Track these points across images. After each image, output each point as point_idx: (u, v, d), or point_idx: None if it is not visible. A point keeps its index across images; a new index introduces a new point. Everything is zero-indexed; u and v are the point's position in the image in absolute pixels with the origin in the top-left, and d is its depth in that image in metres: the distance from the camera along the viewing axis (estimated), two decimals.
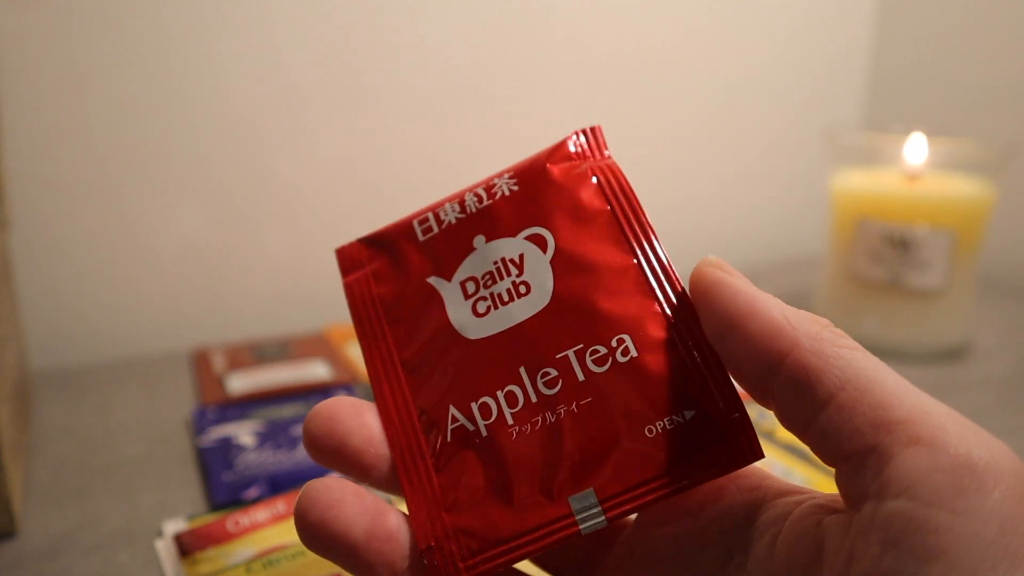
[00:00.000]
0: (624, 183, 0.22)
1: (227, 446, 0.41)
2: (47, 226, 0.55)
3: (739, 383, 0.19)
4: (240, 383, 0.48)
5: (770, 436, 0.42)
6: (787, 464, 0.39)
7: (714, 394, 0.19)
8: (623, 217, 0.21)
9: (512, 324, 0.21)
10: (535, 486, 0.19)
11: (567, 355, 0.20)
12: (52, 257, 0.55)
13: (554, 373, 0.20)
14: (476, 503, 0.20)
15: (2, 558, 0.33)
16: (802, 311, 0.18)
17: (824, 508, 0.18)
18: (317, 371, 0.50)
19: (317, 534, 0.19)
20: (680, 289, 0.20)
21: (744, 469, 0.20)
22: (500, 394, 0.20)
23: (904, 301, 0.54)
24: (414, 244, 0.23)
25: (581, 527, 0.19)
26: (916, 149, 0.54)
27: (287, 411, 0.45)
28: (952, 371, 0.52)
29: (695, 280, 0.19)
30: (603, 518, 0.19)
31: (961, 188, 0.54)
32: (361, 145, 0.62)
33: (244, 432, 0.42)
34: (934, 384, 0.50)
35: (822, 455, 0.17)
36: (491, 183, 0.23)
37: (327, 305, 0.60)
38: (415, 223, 0.24)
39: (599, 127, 0.23)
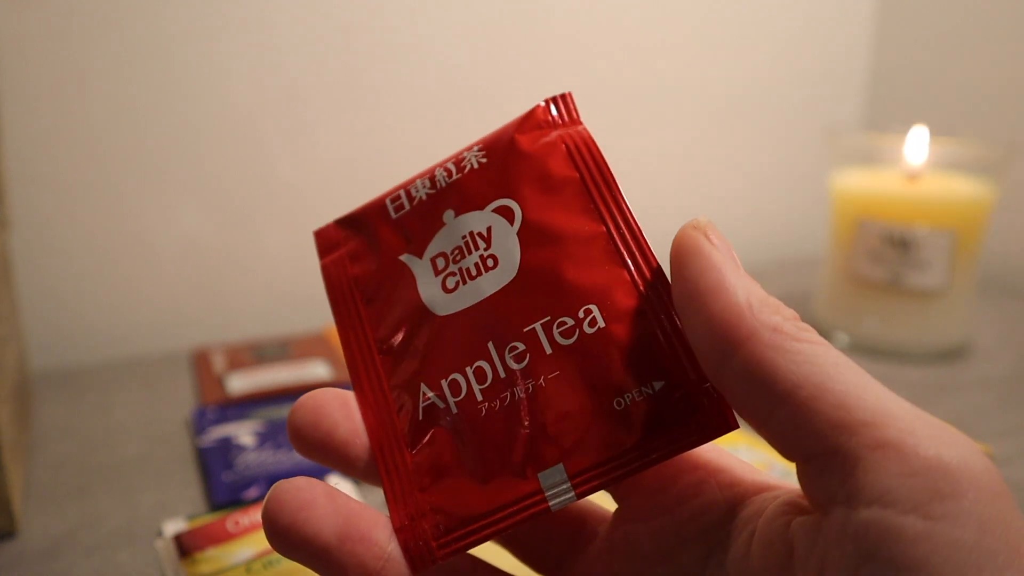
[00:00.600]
0: (595, 150, 0.22)
1: (227, 446, 0.41)
2: (47, 226, 0.55)
3: (699, 362, 0.18)
4: (240, 383, 0.48)
5: None
6: (786, 464, 0.39)
7: (684, 364, 0.19)
8: (592, 184, 0.21)
9: (480, 299, 0.21)
10: (505, 463, 0.19)
11: (534, 328, 0.20)
12: (52, 257, 0.55)
13: (522, 347, 0.20)
14: (448, 481, 0.20)
15: (2, 558, 0.33)
16: (770, 299, 0.17)
17: (792, 507, 0.18)
18: (317, 371, 0.50)
19: (288, 538, 0.18)
20: (651, 256, 0.20)
21: (724, 464, 0.20)
22: (469, 370, 0.20)
23: (904, 301, 0.54)
24: (387, 222, 0.23)
25: (550, 503, 0.19)
26: (916, 149, 0.54)
27: (287, 411, 0.45)
28: (952, 371, 0.52)
29: (676, 242, 0.18)
30: (572, 494, 0.19)
31: (961, 188, 0.54)
32: (361, 145, 0.62)
33: (244, 432, 0.42)
34: (934, 384, 0.50)
35: (780, 452, 0.17)
36: (460, 157, 0.23)
37: (327, 305, 0.60)
38: (388, 201, 0.24)
39: (570, 94, 0.23)
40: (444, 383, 0.21)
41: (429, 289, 0.22)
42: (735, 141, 0.78)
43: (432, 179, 0.23)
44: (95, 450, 0.42)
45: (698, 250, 0.18)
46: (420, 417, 0.21)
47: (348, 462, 0.20)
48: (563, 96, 0.23)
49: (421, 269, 0.22)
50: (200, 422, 0.44)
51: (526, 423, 0.19)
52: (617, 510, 0.21)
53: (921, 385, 0.50)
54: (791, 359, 0.16)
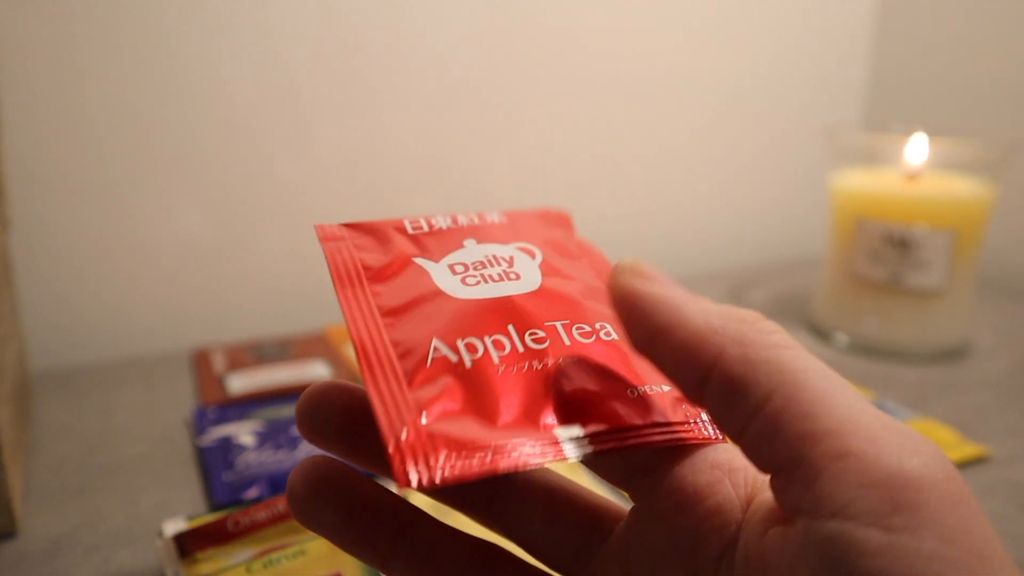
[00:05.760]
0: (596, 251, 0.25)
1: (227, 446, 0.41)
2: (47, 226, 0.55)
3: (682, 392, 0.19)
4: (240, 383, 0.48)
5: None
6: None
7: None
8: (598, 272, 0.24)
9: (502, 295, 0.21)
10: (520, 414, 0.18)
11: (555, 324, 0.21)
12: (52, 257, 0.55)
13: (542, 334, 0.20)
14: (456, 418, 0.18)
15: (2, 558, 0.33)
16: (729, 310, 0.17)
17: (771, 515, 0.18)
18: (317, 371, 0.50)
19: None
20: None
21: (738, 464, 0.20)
22: (488, 339, 0.20)
23: (904, 301, 0.54)
24: (402, 233, 0.23)
25: (567, 453, 0.18)
26: (916, 149, 0.54)
27: (287, 411, 0.45)
28: (952, 371, 0.52)
29: (613, 295, 0.18)
30: (591, 448, 0.18)
31: (961, 188, 0.54)
32: (361, 145, 0.62)
33: (244, 432, 0.42)
34: (934, 384, 0.50)
35: (756, 465, 0.17)
36: (481, 214, 0.25)
37: (327, 305, 0.61)
38: (406, 221, 0.24)
39: (569, 214, 0.26)
40: (460, 342, 0.19)
41: (447, 282, 0.22)
42: (735, 141, 0.78)
43: (454, 219, 0.24)
44: (95, 450, 0.43)
45: (636, 294, 0.18)
46: (428, 364, 0.19)
47: (354, 448, 0.21)
48: (558, 214, 0.26)
49: (437, 269, 0.22)
50: (200, 422, 0.44)
51: (543, 389, 0.19)
52: (633, 508, 0.21)
53: (921, 385, 0.50)
54: (760, 369, 0.16)
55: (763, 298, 0.68)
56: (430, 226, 0.24)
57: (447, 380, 0.18)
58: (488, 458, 0.17)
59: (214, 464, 0.40)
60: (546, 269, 0.22)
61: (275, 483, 0.38)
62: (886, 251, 0.54)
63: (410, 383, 0.18)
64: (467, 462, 0.17)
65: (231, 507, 0.35)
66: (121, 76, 0.54)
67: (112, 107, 0.55)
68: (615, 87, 0.71)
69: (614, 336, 0.21)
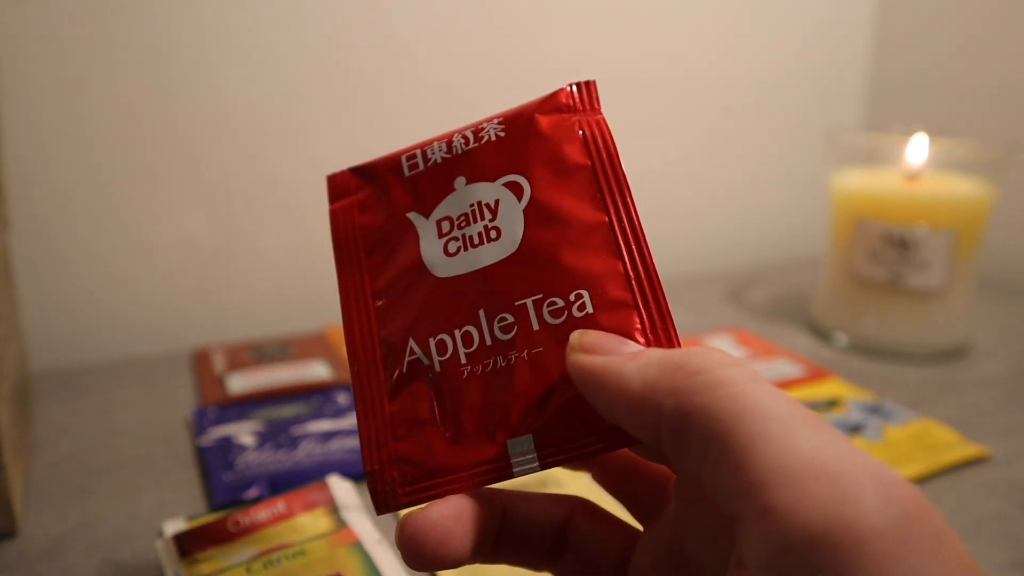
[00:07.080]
0: (610, 142, 0.22)
1: (227, 446, 0.41)
2: (47, 226, 0.55)
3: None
4: (240, 383, 0.48)
5: None
6: None
7: None
8: (602, 175, 0.22)
9: (478, 267, 0.22)
10: (478, 425, 0.20)
11: (525, 303, 0.21)
12: (52, 257, 0.55)
13: (510, 319, 0.21)
14: (421, 434, 0.21)
15: (2, 558, 0.33)
16: (665, 358, 0.17)
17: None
18: (317, 371, 0.50)
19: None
20: (647, 253, 0.21)
21: None
22: (457, 333, 0.21)
23: (904, 301, 0.54)
24: (399, 179, 0.24)
25: (514, 470, 0.20)
26: (916, 149, 0.54)
27: (287, 411, 0.45)
28: (952, 371, 0.52)
29: (571, 376, 0.19)
30: (536, 464, 0.20)
31: (961, 188, 0.54)
32: (361, 145, 0.62)
33: (244, 432, 0.42)
34: (934, 384, 0.50)
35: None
36: (480, 127, 0.24)
37: (327, 305, 0.61)
38: (403, 158, 0.24)
39: (594, 81, 0.23)
40: (432, 341, 0.22)
41: (431, 249, 0.23)
42: (736, 142, 0.78)
43: (449, 144, 0.24)
44: (95, 450, 0.42)
45: (584, 371, 0.19)
46: (404, 370, 0.22)
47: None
48: (587, 83, 0.24)
49: (426, 228, 0.23)
50: (200, 422, 0.44)
51: (504, 391, 0.20)
52: (675, 482, 0.21)
53: (921, 385, 0.50)
54: (695, 421, 0.16)
55: (763, 298, 0.68)
56: (425, 160, 0.24)
57: (419, 388, 0.21)
58: (442, 484, 0.20)
59: (214, 464, 0.40)
60: (531, 213, 0.22)
61: (275, 483, 0.38)
62: (886, 251, 0.54)
63: (389, 394, 0.21)
64: (424, 491, 0.20)
65: (231, 507, 0.35)
66: (121, 76, 0.54)
67: (112, 107, 0.55)
68: (618, 90, 0.71)
69: (589, 309, 0.20)
